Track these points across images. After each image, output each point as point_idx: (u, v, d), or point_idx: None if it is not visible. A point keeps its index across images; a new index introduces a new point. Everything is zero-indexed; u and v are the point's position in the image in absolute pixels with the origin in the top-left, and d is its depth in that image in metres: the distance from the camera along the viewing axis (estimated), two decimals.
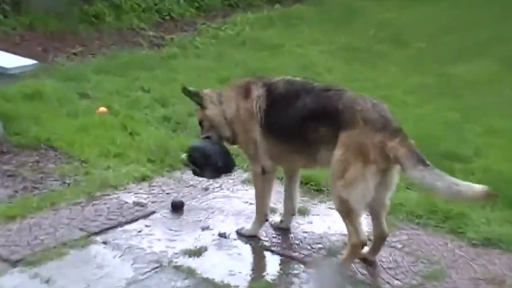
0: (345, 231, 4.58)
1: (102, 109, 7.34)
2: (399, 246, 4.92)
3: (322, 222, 5.26)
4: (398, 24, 12.95)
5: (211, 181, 5.59)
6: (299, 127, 4.49)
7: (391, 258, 4.73)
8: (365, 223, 4.79)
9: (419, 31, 12.67)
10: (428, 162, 4.20)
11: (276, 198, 5.20)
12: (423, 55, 11.43)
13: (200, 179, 5.52)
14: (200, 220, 5.16)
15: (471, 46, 11.63)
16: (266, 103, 4.63)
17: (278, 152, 4.70)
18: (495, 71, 9.93)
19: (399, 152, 4.20)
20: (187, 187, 5.70)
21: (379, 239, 4.66)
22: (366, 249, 4.60)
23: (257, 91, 4.67)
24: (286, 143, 4.62)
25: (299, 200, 5.22)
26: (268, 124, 4.63)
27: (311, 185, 5.79)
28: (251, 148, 4.75)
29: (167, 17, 13.04)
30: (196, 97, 4.86)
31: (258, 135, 4.67)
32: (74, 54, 10.19)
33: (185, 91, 4.87)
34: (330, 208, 5.37)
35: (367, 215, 4.75)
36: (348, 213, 4.38)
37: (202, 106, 4.85)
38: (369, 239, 4.63)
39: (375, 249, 4.67)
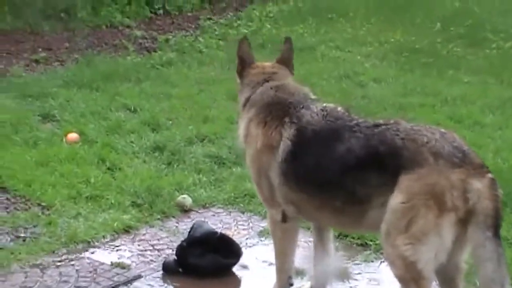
0: None
1: (72, 135, 7.40)
2: None
3: None
4: (473, 15, 12.93)
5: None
6: (340, 180, 4.46)
7: None
8: None
9: (503, 24, 12.65)
10: (499, 232, 4.18)
11: (303, 255, 5.19)
12: (509, 57, 11.40)
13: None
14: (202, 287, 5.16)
15: None
16: (293, 144, 4.61)
17: (306, 208, 4.69)
18: None
19: (482, 203, 4.15)
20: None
21: None
22: None
23: (287, 127, 4.64)
24: (320, 199, 4.59)
25: (336, 258, 5.18)
26: (294, 174, 4.61)
27: (353, 238, 5.78)
28: (264, 190, 4.76)
29: (161, 11, 13.20)
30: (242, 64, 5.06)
31: (276, 178, 4.68)
32: (35, 61, 10.32)
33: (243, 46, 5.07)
34: (380, 268, 5.36)
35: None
36: (414, 280, 4.30)
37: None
38: None
39: None
